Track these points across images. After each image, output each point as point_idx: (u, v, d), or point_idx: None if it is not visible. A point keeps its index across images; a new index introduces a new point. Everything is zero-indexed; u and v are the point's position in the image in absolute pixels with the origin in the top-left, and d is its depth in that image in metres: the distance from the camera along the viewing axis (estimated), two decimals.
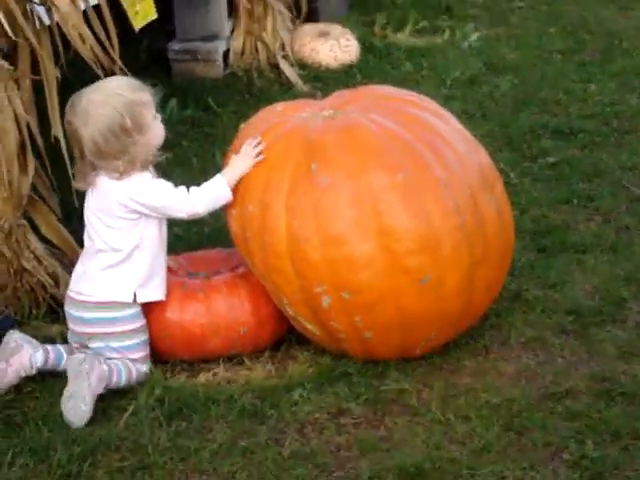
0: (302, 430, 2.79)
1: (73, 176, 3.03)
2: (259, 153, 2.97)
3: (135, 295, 2.97)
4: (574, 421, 2.76)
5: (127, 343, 2.96)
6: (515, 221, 3.18)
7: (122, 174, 2.92)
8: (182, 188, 2.98)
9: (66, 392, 2.81)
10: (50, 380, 3.00)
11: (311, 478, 2.60)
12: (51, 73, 3.16)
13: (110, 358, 2.93)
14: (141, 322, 3.00)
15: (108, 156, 2.89)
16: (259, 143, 2.99)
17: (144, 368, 2.99)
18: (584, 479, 2.55)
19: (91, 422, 2.83)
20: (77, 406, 2.78)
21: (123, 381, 2.92)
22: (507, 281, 3.25)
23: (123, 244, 2.95)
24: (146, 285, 2.98)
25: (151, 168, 3.02)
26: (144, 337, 3.01)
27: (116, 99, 2.90)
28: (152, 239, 2.99)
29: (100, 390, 2.84)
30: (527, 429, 2.74)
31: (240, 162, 2.99)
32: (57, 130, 3.20)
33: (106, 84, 2.98)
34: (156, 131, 2.99)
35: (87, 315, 2.97)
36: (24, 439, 2.76)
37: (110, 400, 2.92)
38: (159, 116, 3.02)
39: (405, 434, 2.74)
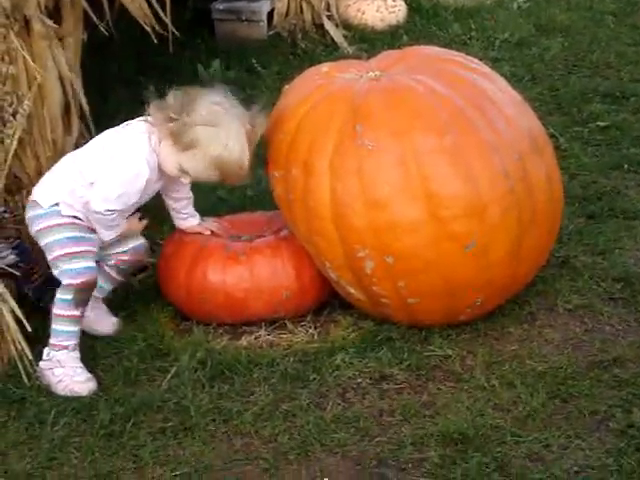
0: (344, 395, 2.78)
1: None
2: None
3: (57, 204, 2.86)
4: (621, 389, 2.72)
5: (51, 239, 2.86)
6: (564, 186, 3.12)
7: None
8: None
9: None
10: (90, 340, 3.02)
11: (353, 442, 2.59)
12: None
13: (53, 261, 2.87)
14: (59, 220, 2.86)
15: None
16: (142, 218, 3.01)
17: (74, 265, 2.84)
18: (631, 448, 2.51)
19: (134, 383, 2.84)
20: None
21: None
22: (555, 247, 3.20)
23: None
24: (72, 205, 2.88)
25: None
26: (70, 234, 2.86)
27: None
28: None
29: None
30: (573, 397, 2.70)
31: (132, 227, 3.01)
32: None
33: None
34: None
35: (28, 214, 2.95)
36: (67, 399, 2.79)
37: (152, 362, 2.93)
38: None
39: (448, 400, 2.72)
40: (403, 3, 5.77)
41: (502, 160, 2.84)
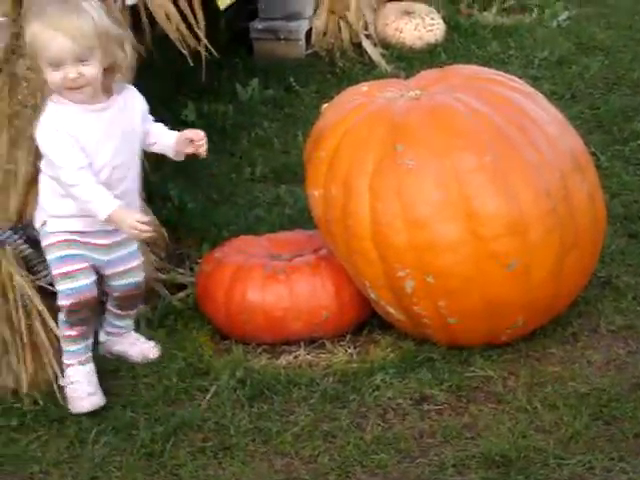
0: (384, 415, 2.76)
1: None
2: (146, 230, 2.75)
3: (45, 223, 2.84)
4: None
5: (48, 259, 2.85)
6: (605, 206, 3.09)
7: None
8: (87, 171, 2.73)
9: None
10: (130, 359, 3.03)
11: (393, 464, 2.57)
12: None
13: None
14: (49, 240, 2.83)
15: None
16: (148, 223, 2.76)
17: (61, 286, 2.80)
18: None
19: (173, 402, 2.85)
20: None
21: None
22: (597, 267, 3.16)
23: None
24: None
25: None
26: (57, 254, 2.81)
27: None
28: None
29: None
30: (616, 419, 2.67)
31: (127, 218, 2.73)
32: None
33: None
34: None
35: None
36: (107, 418, 2.79)
37: (192, 381, 2.92)
38: None
39: (490, 422, 2.69)
40: (441, 21, 5.76)
41: (544, 179, 2.82)
